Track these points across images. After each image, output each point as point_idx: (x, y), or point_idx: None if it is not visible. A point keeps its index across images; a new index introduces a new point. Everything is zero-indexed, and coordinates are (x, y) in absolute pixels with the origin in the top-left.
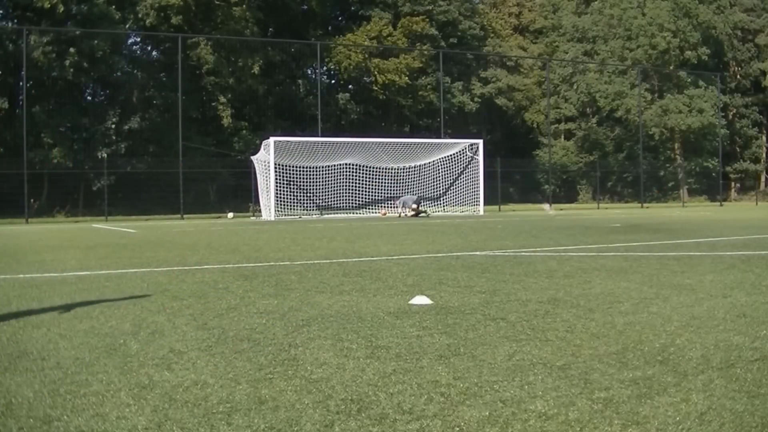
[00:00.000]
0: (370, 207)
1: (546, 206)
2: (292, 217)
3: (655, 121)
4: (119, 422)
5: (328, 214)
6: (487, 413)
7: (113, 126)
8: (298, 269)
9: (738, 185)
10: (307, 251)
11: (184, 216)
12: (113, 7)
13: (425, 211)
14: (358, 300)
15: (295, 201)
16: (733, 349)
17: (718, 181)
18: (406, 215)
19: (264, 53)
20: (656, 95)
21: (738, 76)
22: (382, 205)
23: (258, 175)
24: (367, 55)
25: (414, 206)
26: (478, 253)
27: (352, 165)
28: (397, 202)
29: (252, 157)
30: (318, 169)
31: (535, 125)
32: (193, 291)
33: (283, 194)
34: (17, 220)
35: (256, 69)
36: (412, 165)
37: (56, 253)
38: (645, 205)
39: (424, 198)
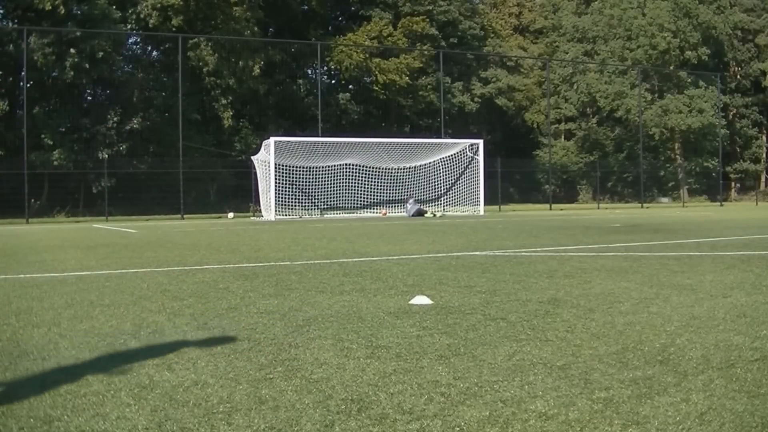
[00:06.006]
0: (373, 207)
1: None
2: (293, 217)
3: (655, 121)
4: (119, 422)
5: (328, 214)
6: (488, 413)
7: (114, 126)
8: (298, 269)
9: (738, 185)
10: (307, 251)
11: (185, 216)
12: (114, 7)
13: (426, 211)
14: (358, 300)
15: (296, 201)
16: (733, 349)
17: (718, 181)
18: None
19: (264, 53)
20: (656, 95)
21: (738, 76)
22: (383, 205)
23: (258, 175)
24: (367, 55)
25: (416, 208)
26: (478, 253)
27: (353, 165)
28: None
29: (252, 157)
30: (318, 170)
31: (535, 125)
32: (193, 291)
33: (284, 194)
34: (18, 220)
35: (256, 69)
36: (413, 165)
37: (56, 253)
38: (645, 205)
39: (420, 200)
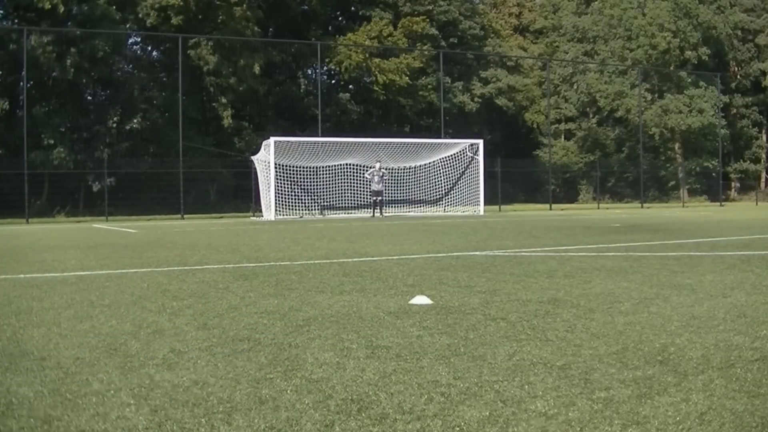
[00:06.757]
0: (373, 207)
1: None
2: (293, 217)
3: (655, 121)
4: (119, 422)
5: (328, 214)
6: (488, 413)
7: (114, 126)
8: (298, 269)
9: (738, 185)
10: (307, 251)
11: (185, 216)
12: (113, 7)
13: (378, 208)
14: (358, 300)
15: (296, 201)
16: (733, 349)
17: (719, 181)
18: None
19: (264, 53)
20: (656, 95)
21: (738, 76)
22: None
23: (258, 175)
24: (367, 55)
25: (376, 187)
26: (478, 253)
27: (353, 165)
28: (368, 174)
29: (252, 157)
30: (318, 169)
31: (535, 125)
32: (193, 291)
33: (284, 194)
34: (17, 220)
35: (256, 69)
36: (413, 165)
37: (57, 253)
38: (645, 205)
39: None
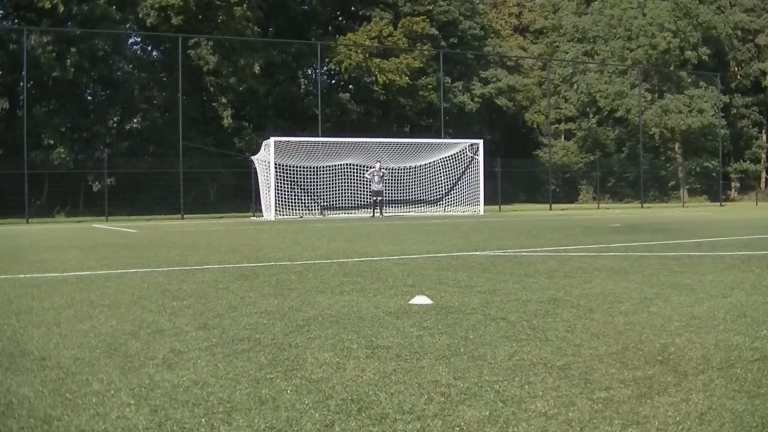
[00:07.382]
0: (373, 207)
1: None
2: (293, 217)
3: (655, 121)
4: (119, 422)
5: (328, 214)
6: (488, 413)
7: (114, 126)
8: (298, 269)
9: (738, 185)
10: (307, 251)
11: (185, 216)
12: (113, 7)
13: (378, 208)
14: (358, 300)
15: (296, 201)
16: (733, 349)
17: (719, 181)
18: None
19: (264, 53)
20: (656, 95)
21: (738, 76)
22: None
23: (258, 175)
24: (367, 55)
25: (376, 188)
26: (478, 253)
27: (353, 165)
28: (368, 174)
29: (252, 157)
30: (318, 169)
31: (535, 125)
32: (193, 291)
33: (284, 194)
34: (17, 220)
35: (256, 69)
36: (413, 165)
37: (57, 252)
38: (645, 205)
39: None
